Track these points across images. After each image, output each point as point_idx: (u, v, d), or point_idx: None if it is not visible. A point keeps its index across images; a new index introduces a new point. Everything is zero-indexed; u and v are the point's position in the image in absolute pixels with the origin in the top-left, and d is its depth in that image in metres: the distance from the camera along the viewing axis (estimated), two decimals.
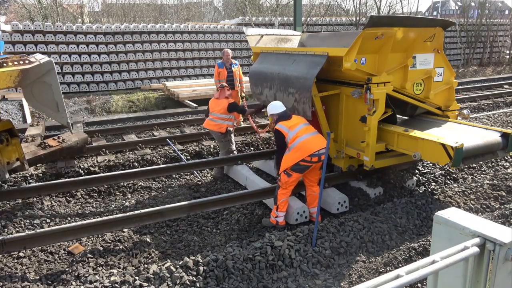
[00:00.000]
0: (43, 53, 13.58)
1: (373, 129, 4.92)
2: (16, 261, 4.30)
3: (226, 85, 6.75)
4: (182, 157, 7.14)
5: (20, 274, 4.08)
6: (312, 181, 4.90)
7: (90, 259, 4.34)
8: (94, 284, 3.60)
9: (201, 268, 3.63)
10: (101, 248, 4.57)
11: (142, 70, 15.33)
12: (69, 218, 5.35)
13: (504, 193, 5.39)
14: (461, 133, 4.97)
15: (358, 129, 5.10)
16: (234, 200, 5.17)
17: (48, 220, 5.23)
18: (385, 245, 4.26)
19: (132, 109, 12.96)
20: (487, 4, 24.39)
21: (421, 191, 5.69)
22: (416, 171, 6.35)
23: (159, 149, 7.82)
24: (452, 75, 5.65)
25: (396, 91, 5.10)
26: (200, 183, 6.55)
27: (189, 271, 3.61)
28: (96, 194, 6.06)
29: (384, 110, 4.97)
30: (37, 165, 6.94)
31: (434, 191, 5.44)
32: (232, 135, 6.66)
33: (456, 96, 5.91)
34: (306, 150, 4.62)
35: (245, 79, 9.39)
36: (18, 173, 6.40)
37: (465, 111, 5.87)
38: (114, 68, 14.82)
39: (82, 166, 6.66)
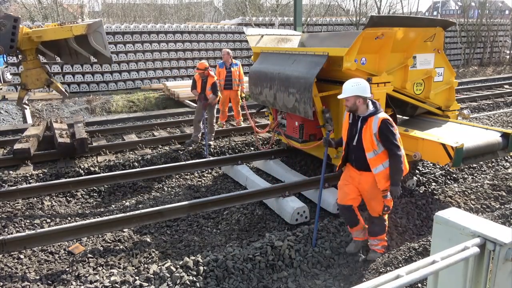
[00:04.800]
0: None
1: None
2: (16, 261, 4.30)
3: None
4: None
5: (20, 274, 4.08)
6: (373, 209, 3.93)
7: (90, 259, 4.34)
8: (94, 284, 3.61)
9: (201, 268, 3.63)
10: (101, 248, 4.57)
11: (142, 70, 15.33)
12: (69, 218, 5.35)
13: (504, 193, 5.39)
14: (461, 133, 4.97)
15: None
16: (234, 200, 5.17)
17: (48, 220, 5.23)
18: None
19: (132, 109, 12.96)
20: (487, 4, 24.39)
21: (421, 191, 5.69)
22: (416, 171, 6.35)
23: (159, 149, 7.83)
24: (452, 75, 5.65)
25: (396, 91, 5.10)
26: (200, 183, 6.56)
27: (189, 271, 3.61)
28: (96, 194, 6.06)
29: (384, 110, 4.97)
30: (37, 165, 6.95)
31: (434, 191, 5.44)
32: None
33: (456, 96, 5.91)
34: (405, 169, 3.72)
35: (245, 79, 9.39)
36: (19, 173, 6.41)
37: (465, 111, 5.87)
38: (114, 68, 14.82)
39: (82, 166, 6.66)
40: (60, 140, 7.19)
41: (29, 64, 7.55)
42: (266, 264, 3.81)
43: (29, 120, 10.73)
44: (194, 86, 7.81)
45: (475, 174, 6.52)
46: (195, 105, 12.04)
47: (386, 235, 4.04)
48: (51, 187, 5.67)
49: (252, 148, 7.95)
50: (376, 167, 3.61)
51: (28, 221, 5.14)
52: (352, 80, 3.67)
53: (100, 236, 4.78)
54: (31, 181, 6.23)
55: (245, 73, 10.08)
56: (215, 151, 7.65)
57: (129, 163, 6.90)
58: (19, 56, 7.63)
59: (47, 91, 13.59)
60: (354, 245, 4.10)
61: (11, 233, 4.81)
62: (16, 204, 5.50)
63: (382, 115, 3.60)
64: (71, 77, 14.08)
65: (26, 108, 10.37)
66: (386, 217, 3.95)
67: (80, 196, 5.95)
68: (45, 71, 7.72)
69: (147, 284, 3.48)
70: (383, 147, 3.58)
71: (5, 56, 7.41)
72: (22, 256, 4.35)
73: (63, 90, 7.98)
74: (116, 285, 3.49)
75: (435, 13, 48.98)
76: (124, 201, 5.92)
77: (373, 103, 3.69)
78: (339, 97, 3.73)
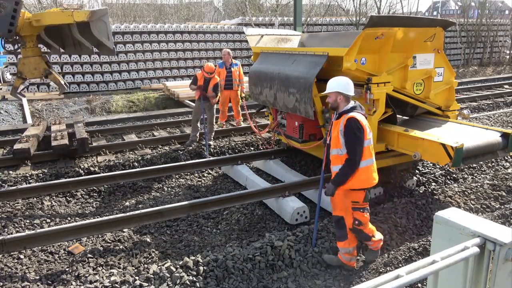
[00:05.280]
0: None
1: (373, 129, 4.91)
2: (16, 261, 4.30)
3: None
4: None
5: (20, 274, 4.08)
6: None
7: (90, 259, 4.34)
8: (94, 284, 3.60)
9: (201, 268, 3.63)
10: (101, 248, 4.57)
11: (142, 70, 15.33)
12: (69, 218, 5.35)
13: (504, 193, 5.39)
14: (461, 133, 4.97)
15: None
16: (234, 200, 5.17)
17: (48, 220, 5.23)
18: (385, 245, 4.25)
19: (132, 109, 12.96)
20: (487, 4, 24.40)
21: (421, 191, 5.69)
22: (416, 171, 6.35)
23: (159, 149, 7.83)
24: (452, 75, 5.65)
25: (396, 91, 5.10)
26: (200, 183, 6.55)
27: (189, 271, 3.61)
28: (96, 194, 6.06)
29: (384, 110, 4.97)
30: (37, 165, 6.95)
31: (434, 191, 5.44)
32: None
33: (456, 96, 5.91)
34: (370, 180, 3.61)
35: (246, 79, 9.39)
36: (19, 173, 6.41)
37: (465, 111, 5.87)
38: (114, 68, 14.83)
39: (82, 166, 6.66)
40: (54, 143, 7.09)
41: (28, 51, 7.09)
42: (266, 264, 3.81)
43: (29, 120, 10.73)
44: (194, 83, 7.78)
45: (475, 174, 6.52)
46: (194, 104, 12.06)
47: (374, 235, 3.81)
48: (51, 187, 5.67)
49: (252, 148, 7.95)
50: (336, 165, 3.58)
51: (28, 221, 5.14)
52: (336, 77, 3.66)
53: (100, 236, 4.78)
54: (31, 181, 6.23)
55: (245, 73, 10.08)
56: (215, 151, 7.65)
57: (129, 163, 6.90)
58: (18, 43, 7.08)
59: (47, 91, 13.60)
60: (334, 258, 3.89)
61: (11, 233, 4.81)
62: (16, 204, 5.50)
63: (353, 114, 3.49)
64: (71, 77, 14.08)
65: (21, 99, 9.74)
66: (367, 228, 3.72)
67: (80, 196, 5.95)
68: (44, 61, 7.31)
69: (147, 284, 3.48)
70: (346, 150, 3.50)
71: (2, 41, 6.99)
72: (22, 256, 4.35)
73: (62, 82, 7.62)
74: (116, 285, 3.49)
75: (435, 13, 48.97)
76: (124, 201, 5.92)
77: (354, 103, 3.62)
78: (322, 93, 3.73)
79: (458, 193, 5.34)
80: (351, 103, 3.60)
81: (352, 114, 3.50)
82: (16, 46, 7.31)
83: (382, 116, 4.97)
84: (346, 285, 3.66)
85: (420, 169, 6.47)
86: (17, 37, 6.95)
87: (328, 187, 3.60)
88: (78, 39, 6.92)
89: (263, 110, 7.50)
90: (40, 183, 5.81)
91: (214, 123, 8.17)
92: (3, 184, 6.06)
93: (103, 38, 6.76)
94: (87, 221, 4.62)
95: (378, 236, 3.88)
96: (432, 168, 6.53)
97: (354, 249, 3.82)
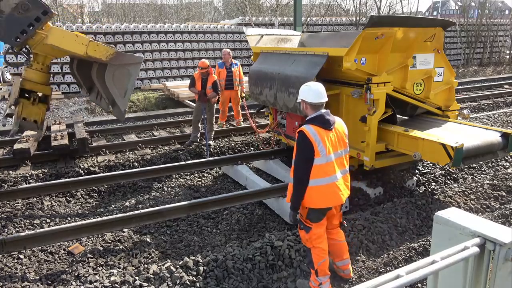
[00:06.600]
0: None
1: (373, 129, 4.92)
2: (16, 261, 4.30)
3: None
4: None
5: (20, 274, 4.08)
6: (333, 225, 3.53)
7: (90, 259, 4.34)
8: (94, 284, 3.60)
9: (201, 268, 3.63)
10: (101, 248, 4.57)
11: (142, 70, 15.32)
12: (69, 218, 5.35)
13: (504, 193, 5.39)
14: (461, 133, 4.97)
15: (358, 129, 5.09)
16: (234, 200, 5.18)
17: (48, 220, 5.23)
18: (385, 245, 4.25)
19: (132, 109, 12.95)
20: (487, 4, 24.40)
21: (421, 191, 5.69)
22: (416, 171, 6.35)
23: (159, 149, 7.83)
24: (452, 75, 5.65)
25: (396, 91, 5.10)
26: (200, 183, 6.55)
27: (189, 271, 3.61)
28: (96, 194, 6.06)
29: (384, 110, 4.97)
30: (37, 165, 6.95)
31: (434, 191, 5.44)
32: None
33: (456, 96, 5.91)
34: (328, 199, 3.21)
35: (245, 79, 9.39)
36: (19, 173, 6.41)
37: (465, 111, 5.86)
38: None
39: (82, 166, 6.66)
40: (54, 143, 7.10)
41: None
42: (266, 264, 3.81)
43: None
44: (193, 84, 7.77)
45: (475, 174, 6.52)
46: (194, 105, 12.05)
47: (317, 275, 3.30)
48: (51, 187, 5.67)
49: (252, 148, 7.95)
50: (292, 177, 3.27)
51: (28, 221, 5.14)
52: (306, 83, 3.34)
53: (100, 236, 4.78)
54: (31, 181, 6.23)
55: (245, 73, 10.08)
56: (215, 151, 7.65)
57: (129, 163, 6.90)
58: (29, 57, 5.65)
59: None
60: (305, 283, 3.58)
61: (11, 233, 4.81)
62: (16, 204, 5.50)
63: (305, 127, 3.17)
64: (71, 77, 14.06)
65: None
66: (314, 252, 3.28)
67: (80, 196, 5.95)
68: (18, 89, 5.56)
69: (147, 284, 3.48)
70: None
71: (3, 46, 5.82)
72: (22, 256, 4.35)
73: (23, 124, 5.72)
74: (116, 285, 3.49)
75: (435, 13, 49.00)
76: (124, 201, 5.92)
77: (319, 113, 3.21)
78: (298, 100, 3.45)
79: (458, 193, 5.34)
80: (317, 113, 3.21)
81: (303, 126, 3.17)
82: (22, 59, 6.02)
83: (382, 116, 4.97)
84: (346, 285, 3.66)
85: (420, 169, 6.47)
86: (27, 50, 5.63)
87: (289, 214, 3.33)
88: (95, 82, 5.52)
89: (263, 110, 7.50)
90: (40, 183, 5.81)
91: (214, 123, 8.17)
92: (3, 184, 6.06)
93: (116, 92, 5.23)
94: (87, 221, 4.63)
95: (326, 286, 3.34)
96: (432, 168, 6.53)
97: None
